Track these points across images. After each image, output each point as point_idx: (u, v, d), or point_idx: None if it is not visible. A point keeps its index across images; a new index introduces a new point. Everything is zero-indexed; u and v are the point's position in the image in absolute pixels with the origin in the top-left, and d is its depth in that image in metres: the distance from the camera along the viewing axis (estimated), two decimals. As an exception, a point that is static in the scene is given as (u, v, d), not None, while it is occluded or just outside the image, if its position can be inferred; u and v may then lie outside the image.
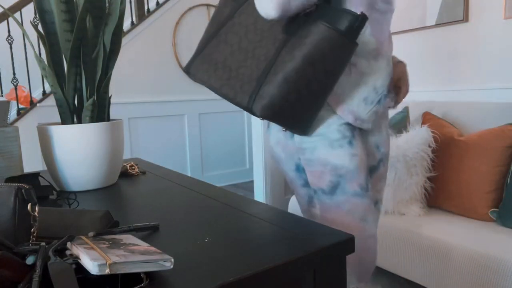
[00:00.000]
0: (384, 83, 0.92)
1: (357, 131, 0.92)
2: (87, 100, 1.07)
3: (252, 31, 0.85)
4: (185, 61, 3.83)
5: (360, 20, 0.77)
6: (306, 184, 0.99)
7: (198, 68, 0.91)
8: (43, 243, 0.51)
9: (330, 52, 0.76)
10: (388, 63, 0.94)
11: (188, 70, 0.95)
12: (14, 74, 2.89)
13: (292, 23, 0.80)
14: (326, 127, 0.89)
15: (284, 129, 0.95)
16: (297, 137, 0.93)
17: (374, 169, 1.02)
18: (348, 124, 0.90)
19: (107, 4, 1.09)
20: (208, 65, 0.89)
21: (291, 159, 0.98)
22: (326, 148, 0.89)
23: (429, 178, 1.83)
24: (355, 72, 0.89)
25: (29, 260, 0.48)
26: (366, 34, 0.88)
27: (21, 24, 1.20)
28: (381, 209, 1.10)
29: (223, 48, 0.89)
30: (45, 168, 2.72)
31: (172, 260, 0.51)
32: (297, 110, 0.80)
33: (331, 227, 0.70)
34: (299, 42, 0.77)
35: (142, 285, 0.50)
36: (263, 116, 0.79)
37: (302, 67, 0.76)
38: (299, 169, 0.97)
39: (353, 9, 0.86)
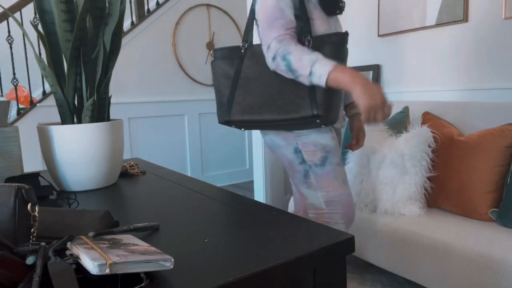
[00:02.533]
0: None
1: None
2: (87, 100, 1.07)
3: (263, 74, 1.22)
4: (185, 61, 3.83)
5: (342, 35, 1.18)
6: (303, 161, 1.30)
7: (240, 114, 1.24)
8: (43, 243, 0.51)
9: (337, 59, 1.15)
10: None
11: (228, 120, 1.26)
12: (14, 74, 2.89)
13: None
14: None
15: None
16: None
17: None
18: None
19: (107, 4, 1.09)
20: (249, 108, 1.23)
21: (290, 144, 1.30)
22: (316, 134, 1.26)
23: (429, 178, 1.83)
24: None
25: (29, 260, 0.48)
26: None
27: (21, 24, 1.20)
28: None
29: (250, 92, 1.23)
30: (45, 168, 2.72)
31: (172, 260, 0.51)
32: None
33: (331, 228, 0.70)
34: None
35: (142, 285, 0.50)
36: (324, 115, 1.15)
37: None
38: (297, 151, 1.30)
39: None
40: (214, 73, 1.32)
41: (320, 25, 1.23)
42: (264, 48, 1.19)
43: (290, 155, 1.32)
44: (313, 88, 1.14)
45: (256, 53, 1.25)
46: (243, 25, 4.18)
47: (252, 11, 1.28)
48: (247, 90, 1.24)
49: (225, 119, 1.26)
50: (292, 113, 1.17)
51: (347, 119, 1.62)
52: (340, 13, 1.29)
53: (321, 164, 1.27)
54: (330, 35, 1.17)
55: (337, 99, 1.19)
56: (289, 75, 1.15)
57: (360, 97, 1.06)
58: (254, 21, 1.30)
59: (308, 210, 1.37)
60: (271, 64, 1.17)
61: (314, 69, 1.09)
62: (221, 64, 1.29)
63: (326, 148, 1.27)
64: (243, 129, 1.32)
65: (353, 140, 1.48)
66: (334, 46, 1.15)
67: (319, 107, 1.14)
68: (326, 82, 1.09)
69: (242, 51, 1.27)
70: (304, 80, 1.13)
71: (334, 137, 1.29)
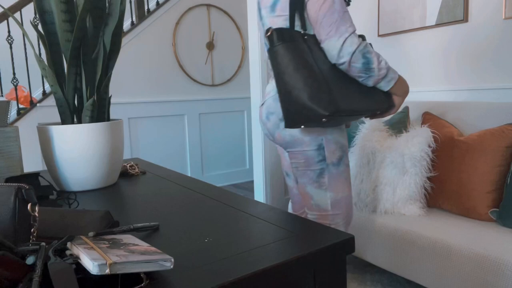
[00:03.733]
0: None
1: None
2: (87, 100, 1.07)
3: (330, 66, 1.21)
4: (185, 61, 3.83)
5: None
6: (323, 159, 1.27)
7: (347, 103, 1.15)
8: (43, 243, 0.51)
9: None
10: None
11: (338, 109, 1.12)
12: (14, 74, 2.89)
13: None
14: None
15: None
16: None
17: None
18: None
19: (107, 4, 1.09)
20: (350, 97, 1.16)
21: (314, 140, 1.26)
22: (338, 131, 1.27)
23: (429, 178, 1.83)
24: None
25: (29, 260, 0.48)
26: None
27: (21, 24, 1.20)
28: None
29: (345, 80, 1.18)
30: (45, 168, 2.72)
31: (172, 260, 0.51)
32: None
33: (331, 228, 0.70)
34: None
35: (142, 285, 0.50)
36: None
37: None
38: (320, 148, 1.26)
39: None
40: (281, 59, 1.15)
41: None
42: (333, 41, 1.11)
43: (311, 152, 1.26)
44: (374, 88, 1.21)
45: (318, 45, 1.18)
46: (243, 25, 4.18)
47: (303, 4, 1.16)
48: (340, 79, 1.16)
49: (332, 110, 1.10)
50: (380, 104, 1.21)
51: None
52: (348, 4, 1.28)
53: (337, 164, 1.28)
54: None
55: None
56: (355, 73, 1.15)
57: (399, 104, 1.27)
58: (297, 12, 1.18)
59: (310, 211, 1.34)
60: (342, 58, 1.12)
61: (389, 72, 1.17)
62: (292, 47, 1.15)
63: (343, 148, 1.28)
64: (326, 121, 1.16)
65: None
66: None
67: (385, 101, 1.23)
68: (391, 87, 1.21)
69: (305, 37, 1.18)
70: (372, 81, 1.17)
71: (346, 137, 1.32)
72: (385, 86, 1.20)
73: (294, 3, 1.17)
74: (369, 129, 1.95)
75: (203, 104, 3.94)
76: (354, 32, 1.13)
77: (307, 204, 1.35)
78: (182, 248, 0.63)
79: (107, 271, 0.45)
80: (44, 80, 3.12)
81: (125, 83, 3.52)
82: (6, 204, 0.57)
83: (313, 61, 1.14)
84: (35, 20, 2.91)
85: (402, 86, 1.24)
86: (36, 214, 0.59)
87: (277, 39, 1.16)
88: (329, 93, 1.12)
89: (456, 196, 1.74)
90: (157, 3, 3.66)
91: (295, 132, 1.26)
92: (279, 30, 1.16)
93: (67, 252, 0.52)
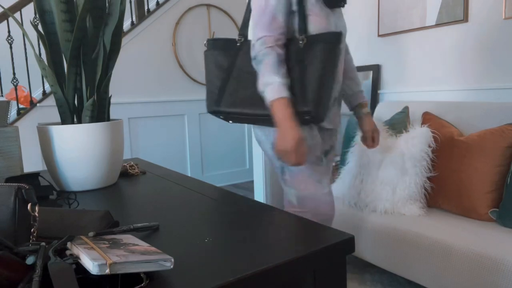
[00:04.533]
0: (333, 96, 1.29)
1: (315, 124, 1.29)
2: (87, 100, 1.07)
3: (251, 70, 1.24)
4: (185, 61, 3.83)
5: (336, 34, 1.19)
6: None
7: (231, 106, 1.25)
8: (43, 243, 0.51)
9: (327, 59, 1.18)
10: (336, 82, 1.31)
11: (217, 110, 1.27)
12: (14, 74, 2.89)
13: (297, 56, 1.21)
14: None
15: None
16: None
17: (327, 152, 1.38)
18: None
19: (107, 4, 1.09)
20: (241, 101, 1.24)
21: (269, 139, 1.31)
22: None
23: (429, 178, 1.83)
24: None
25: (29, 260, 0.48)
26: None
27: (21, 24, 1.20)
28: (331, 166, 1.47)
29: (243, 86, 1.25)
30: (45, 168, 2.72)
31: (172, 260, 0.51)
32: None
33: (331, 228, 0.70)
34: (307, 64, 1.19)
35: (142, 285, 0.50)
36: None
37: (320, 74, 1.18)
38: (274, 146, 1.25)
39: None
40: (206, 63, 1.33)
41: (318, 21, 1.22)
42: (251, 44, 1.22)
43: (269, 150, 1.33)
44: (304, 85, 1.17)
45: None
46: (243, 25, 4.18)
47: (249, 5, 1.29)
48: (240, 83, 1.25)
49: (214, 109, 1.28)
50: (263, 110, 1.21)
51: (344, 122, 1.63)
52: (343, 5, 1.29)
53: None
54: (325, 33, 1.17)
55: (327, 98, 1.20)
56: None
57: (277, 139, 1.18)
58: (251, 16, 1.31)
59: (286, 207, 1.39)
60: (252, 61, 1.22)
61: (266, 91, 1.16)
62: (215, 54, 1.31)
63: None
64: (231, 121, 1.33)
65: (368, 140, 1.50)
66: (327, 45, 1.16)
67: (309, 104, 1.16)
68: (270, 106, 1.18)
69: (238, 44, 1.28)
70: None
71: (316, 136, 1.29)
72: (267, 103, 1.19)
73: (248, 7, 1.30)
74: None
75: (203, 104, 3.94)
76: (262, 37, 1.17)
77: (285, 200, 1.41)
78: (182, 248, 0.63)
79: (107, 271, 0.45)
80: (44, 80, 3.11)
81: (125, 83, 3.52)
82: (6, 204, 0.57)
83: (228, 66, 1.28)
84: (35, 20, 2.91)
85: (277, 116, 1.16)
86: (36, 214, 0.59)
87: (208, 47, 1.34)
88: (218, 94, 1.27)
89: (456, 196, 1.74)
90: (157, 3, 3.66)
91: (258, 131, 1.36)
92: (211, 40, 1.34)
93: (67, 252, 0.52)
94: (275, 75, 1.15)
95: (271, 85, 1.15)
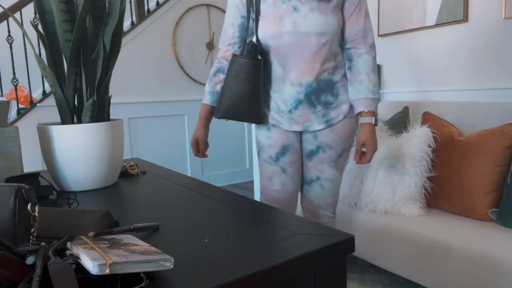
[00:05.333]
0: (292, 99, 1.36)
1: (276, 126, 1.42)
2: (87, 100, 1.07)
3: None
4: (185, 61, 3.83)
5: (250, 45, 1.29)
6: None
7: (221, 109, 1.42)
8: (43, 243, 0.51)
9: (242, 71, 1.30)
10: (292, 86, 1.35)
11: (217, 116, 1.43)
12: (14, 74, 2.89)
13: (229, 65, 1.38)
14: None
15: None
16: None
17: (313, 152, 1.43)
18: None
19: (107, 4, 1.09)
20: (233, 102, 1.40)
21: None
22: (257, 130, 1.48)
23: (429, 178, 1.83)
24: (271, 90, 1.40)
25: (29, 260, 0.48)
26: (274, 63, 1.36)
27: (21, 24, 1.20)
28: (325, 186, 1.46)
29: (229, 89, 1.38)
30: (45, 168, 2.72)
31: (172, 260, 0.51)
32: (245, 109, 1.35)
33: (331, 228, 0.70)
34: (231, 73, 1.34)
35: (142, 285, 0.50)
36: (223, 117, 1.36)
37: (233, 85, 1.32)
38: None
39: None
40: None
41: (265, 24, 1.30)
42: None
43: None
44: (222, 93, 1.37)
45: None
46: (243, 25, 4.18)
47: None
48: (228, 88, 1.39)
49: (216, 116, 1.44)
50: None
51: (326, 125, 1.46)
52: None
53: (258, 157, 1.50)
54: (245, 44, 1.32)
55: (244, 105, 1.33)
56: None
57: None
58: None
59: None
60: None
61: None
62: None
63: (259, 144, 1.47)
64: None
65: (356, 153, 1.37)
66: (238, 58, 1.31)
67: (218, 111, 1.36)
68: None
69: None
70: None
71: (270, 137, 1.42)
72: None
73: None
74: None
75: (203, 104, 3.94)
76: (219, 50, 1.44)
77: None
78: (182, 248, 0.63)
79: (107, 271, 0.45)
80: (44, 80, 3.11)
81: (125, 83, 3.52)
82: (6, 204, 0.57)
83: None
84: (35, 20, 2.91)
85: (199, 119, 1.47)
86: (36, 214, 0.59)
87: None
88: (221, 97, 1.40)
89: (456, 196, 1.74)
90: (157, 3, 3.66)
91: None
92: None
93: (67, 252, 0.52)
94: (207, 84, 1.42)
95: (204, 92, 1.44)
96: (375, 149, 1.34)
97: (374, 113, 1.33)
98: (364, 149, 1.35)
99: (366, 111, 1.32)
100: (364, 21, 1.33)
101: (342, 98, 1.36)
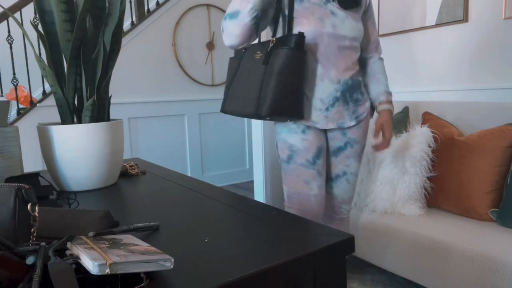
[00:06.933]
0: (330, 96, 1.37)
1: (311, 127, 1.40)
2: (87, 100, 1.07)
3: (248, 71, 1.35)
4: (185, 61, 3.84)
5: (299, 36, 1.23)
6: (279, 156, 1.46)
7: (229, 106, 1.39)
8: (43, 243, 0.51)
9: (290, 62, 1.24)
10: (331, 83, 1.37)
11: (224, 111, 1.42)
12: (14, 74, 2.89)
13: (265, 58, 1.29)
14: (291, 122, 1.40)
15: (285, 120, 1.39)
16: (275, 124, 1.46)
17: (340, 149, 1.47)
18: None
19: (107, 4, 1.09)
20: (234, 100, 1.37)
21: (275, 139, 1.47)
22: (286, 133, 1.41)
23: (429, 178, 1.83)
24: (306, 88, 1.36)
25: (29, 260, 0.48)
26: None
27: (21, 24, 1.20)
28: (351, 179, 1.52)
29: (237, 86, 1.38)
30: (45, 168, 2.72)
31: (172, 260, 0.51)
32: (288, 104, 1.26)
33: (331, 228, 0.70)
34: (271, 66, 1.26)
35: (142, 285, 0.50)
36: (268, 115, 1.24)
37: (278, 77, 1.24)
38: (276, 146, 1.47)
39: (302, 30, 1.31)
40: (228, 69, 1.51)
41: (308, 24, 1.31)
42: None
43: (276, 149, 1.49)
44: (264, 88, 1.26)
45: (250, 50, 1.37)
46: (243, 25, 4.18)
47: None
48: (237, 86, 1.38)
49: (222, 109, 1.44)
50: (245, 110, 1.31)
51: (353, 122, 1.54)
52: (356, 6, 1.37)
53: (287, 161, 1.42)
54: (291, 35, 1.26)
55: (293, 99, 1.26)
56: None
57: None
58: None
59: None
60: None
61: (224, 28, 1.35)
62: (232, 59, 1.49)
63: (292, 148, 1.40)
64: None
65: (376, 132, 1.48)
66: (289, 51, 1.24)
67: (262, 108, 1.24)
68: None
69: (244, 50, 1.41)
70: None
71: (306, 139, 1.38)
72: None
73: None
74: (370, 129, 1.95)
75: (203, 104, 3.94)
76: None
77: None
78: (182, 248, 0.63)
79: (107, 271, 0.45)
80: (44, 80, 3.11)
81: (125, 83, 3.52)
82: (6, 204, 0.57)
83: (236, 68, 1.44)
84: (35, 20, 2.91)
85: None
86: (36, 214, 0.59)
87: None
88: (225, 94, 1.42)
89: (456, 196, 1.74)
90: (157, 3, 3.66)
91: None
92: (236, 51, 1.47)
93: (67, 252, 0.52)
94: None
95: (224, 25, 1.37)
96: (391, 132, 1.48)
97: (391, 103, 1.50)
98: (382, 129, 1.48)
99: (385, 100, 1.48)
100: (377, 33, 1.53)
101: (366, 97, 1.48)
